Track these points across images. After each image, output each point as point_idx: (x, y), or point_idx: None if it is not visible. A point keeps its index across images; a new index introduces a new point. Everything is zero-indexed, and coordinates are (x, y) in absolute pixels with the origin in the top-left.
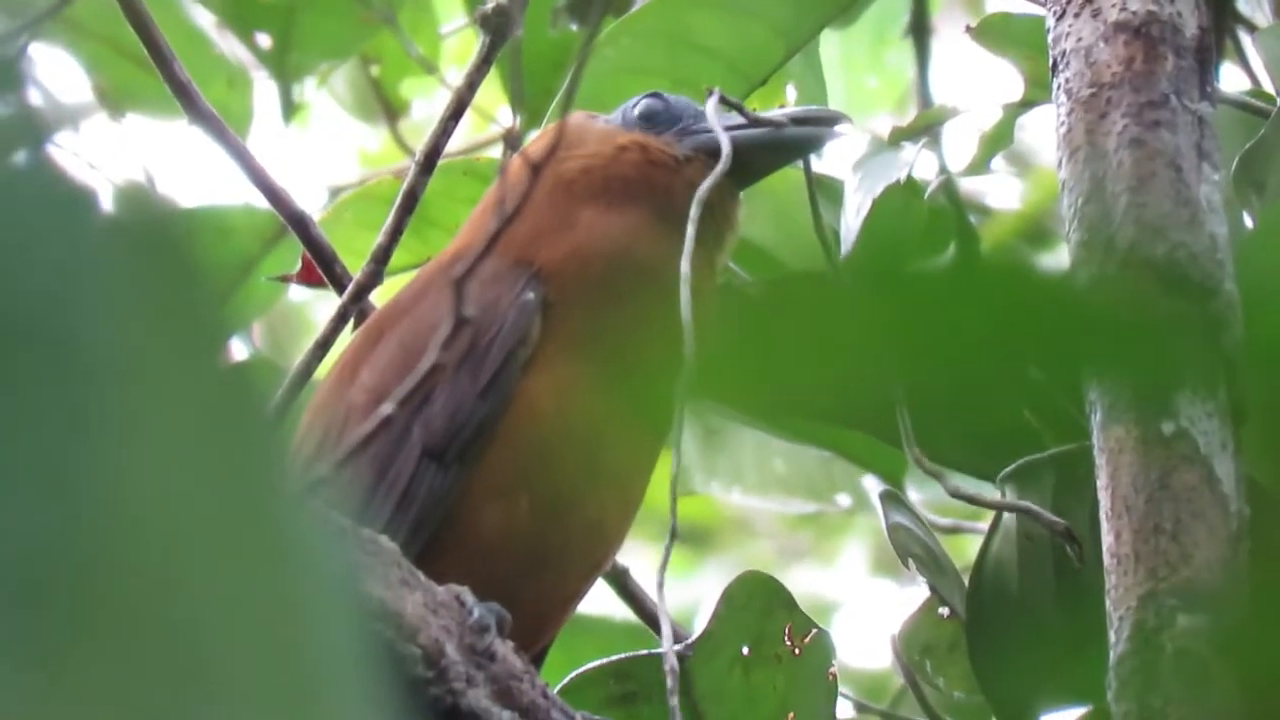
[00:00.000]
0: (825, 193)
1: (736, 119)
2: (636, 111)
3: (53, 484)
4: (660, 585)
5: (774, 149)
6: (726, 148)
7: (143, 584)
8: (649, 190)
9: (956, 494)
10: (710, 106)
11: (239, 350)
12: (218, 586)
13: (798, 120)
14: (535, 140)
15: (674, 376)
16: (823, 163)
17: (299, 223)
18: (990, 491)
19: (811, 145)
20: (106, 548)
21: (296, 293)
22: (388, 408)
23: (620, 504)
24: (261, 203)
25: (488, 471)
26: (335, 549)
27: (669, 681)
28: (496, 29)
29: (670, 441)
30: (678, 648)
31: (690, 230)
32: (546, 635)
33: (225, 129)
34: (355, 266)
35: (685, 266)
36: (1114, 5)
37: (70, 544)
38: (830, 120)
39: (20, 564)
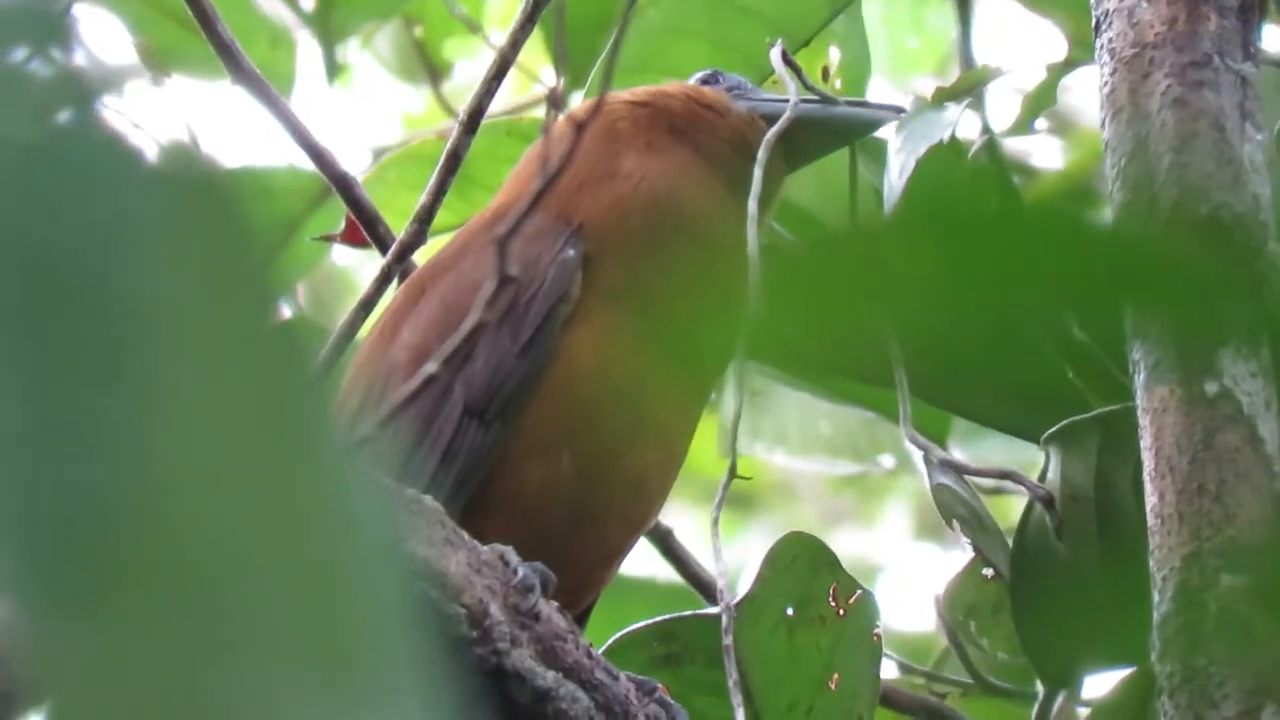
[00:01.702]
0: (868, 153)
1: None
2: (691, 83)
3: (100, 438)
4: (715, 523)
5: (828, 123)
6: (793, 98)
7: (186, 540)
8: (694, 128)
9: (946, 463)
10: (775, 56)
11: (284, 310)
12: (262, 544)
13: (854, 104)
14: (582, 105)
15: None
16: None
17: (342, 183)
18: (1034, 452)
19: (866, 125)
20: (151, 503)
21: (340, 254)
22: (431, 367)
23: (663, 459)
24: (305, 163)
25: (529, 429)
26: (379, 507)
27: (725, 639)
28: None
29: (716, 400)
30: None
31: (757, 172)
32: (590, 593)
33: (269, 89)
34: (398, 227)
35: (753, 207)
36: None
37: (114, 497)
38: (889, 107)
39: (66, 517)
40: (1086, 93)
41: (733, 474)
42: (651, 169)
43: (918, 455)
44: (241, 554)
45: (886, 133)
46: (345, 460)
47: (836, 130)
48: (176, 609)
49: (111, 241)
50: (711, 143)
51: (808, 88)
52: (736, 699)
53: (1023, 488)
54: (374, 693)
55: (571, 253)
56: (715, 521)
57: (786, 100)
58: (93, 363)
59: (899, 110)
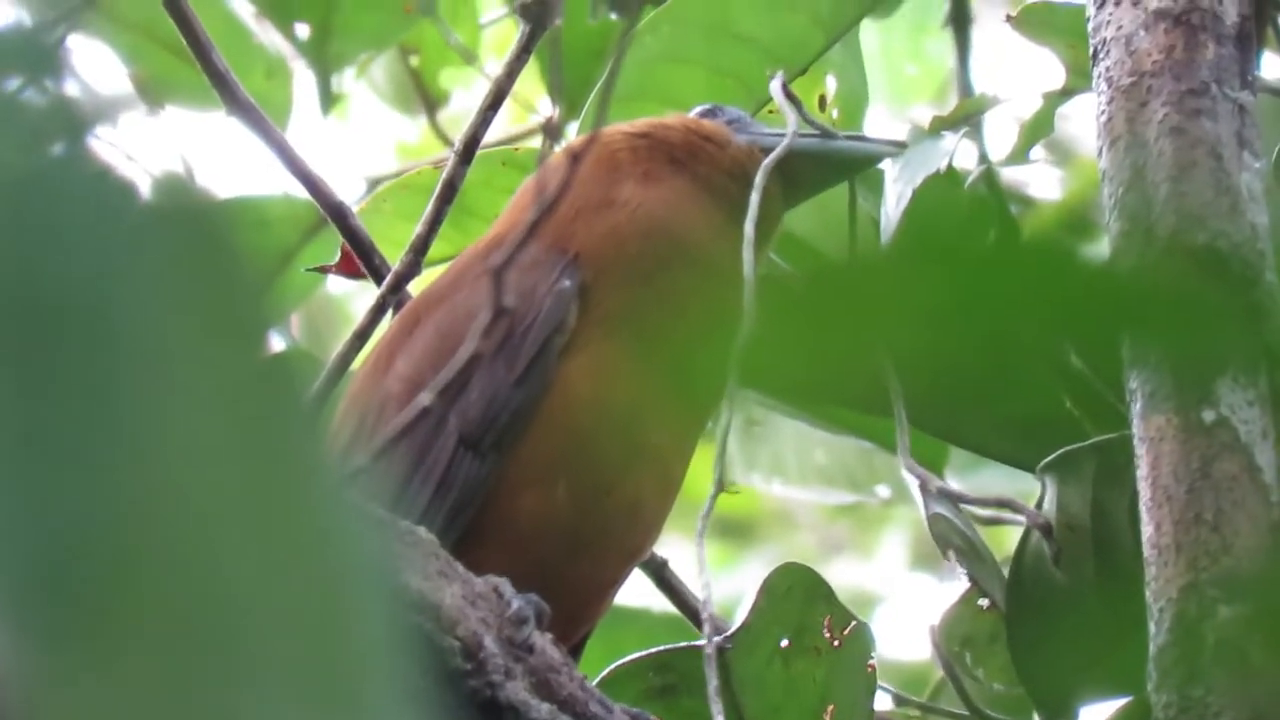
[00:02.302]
0: (865, 182)
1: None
2: (692, 113)
3: (93, 472)
4: (700, 553)
5: (827, 157)
6: (791, 130)
7: (180, 573)
8: (693, 159)
9: (943, 492)
10: (775, 88)
11: (277, 341)
12: (255, 577)
13: (853, 138)
14: (579, 137)
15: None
16: None
17: (338, 213)
18: (1031, 482)
19: (865, 160)
20: (145, 537)
21: (335, 285)
22: (426, 398)
23: (659, 488)
24: (300, 193)
25: (524, 459)
26: (373, 539)
27: (708, 670)
28: (536, 18)
29: (712, 428)
30: (717, 639)
31: (754, 197)
32: (585, 624)
33: (264, 119)
34: (394, 257)
35: (749, 229)
36: None
37: (109, 532)
38: (889, 143)
39: (61, 550)
40: (1085, 121)
41: (715, 499)
42: (649, 198)
43: (914, 485)
44: (235, 587)
45: (885, 162)
46: (338, 492)
47: (835, 165)
48: (171, 642)
49: (103, 274)
50: (711, 173)
51: (807, 121)
52: None
53: (1020, 518)
54: None
55: (568, 283)
56: (700, 549)
57: (782, 134)
58: (85, 396)
59: (899, 145)
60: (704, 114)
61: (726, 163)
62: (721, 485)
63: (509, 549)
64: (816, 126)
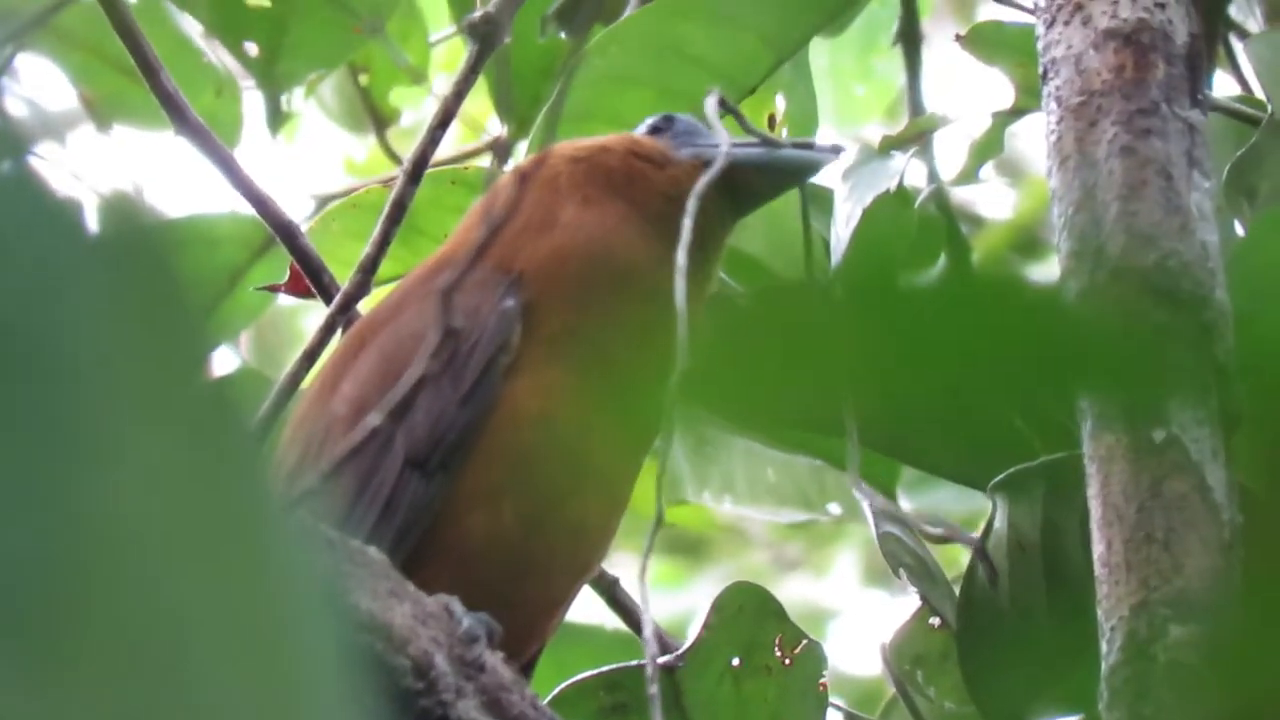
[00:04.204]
0: (816, 202)
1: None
2: (641, 129)
3: (32, 500)
4: (643, 581)
5: (769, 166)
6: (725, 144)
7: (125, 601)
8: (630, 183)
9: (884, 511)
10: (710, 105)
11: (227, 360)
12: (202, 602)
13: (798, 145)
14: (528, 157)
15: (659, 377)
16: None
17: (287, 232)
18: (983, 500)
19: (808, 167)
20: (87, 565)
21: (285, 300)
22: (375, 419)
23: (605, 507)
24: (249, 212)
25: (471, 479)
26: (320, 561)
27: (651, 689)
28: (484, 37)
29: (657, 447)
30: (669, 658)
31: (687, 222)
32: (534, 642)
33: (213, 139)
34: (343, 276)
35: (681, 257)
36: (1104, 12)
37: (49, 561)
38: (830, 149)
39: (5, 582)
40: (1035, 141)
41: (660, 523)
42: (588, 221)
43: (865, 504)
44: (180, 610)
45: (834, 182)
46: (285, 515)
47: (778, 172)
48: (116, 666)
49: (43, 297)
50: (646, 197)
51: (748, 131)
52: None
53: (971, 535)
54: None
55: (511, 302)
56: (643, 581)
57: (737, 144)
58: (24, 422)
59: (838, 150)
60: (656, 125)
61: (664, 184)
62: (661, 518)
63: (456, 569)
64: (758, 136)
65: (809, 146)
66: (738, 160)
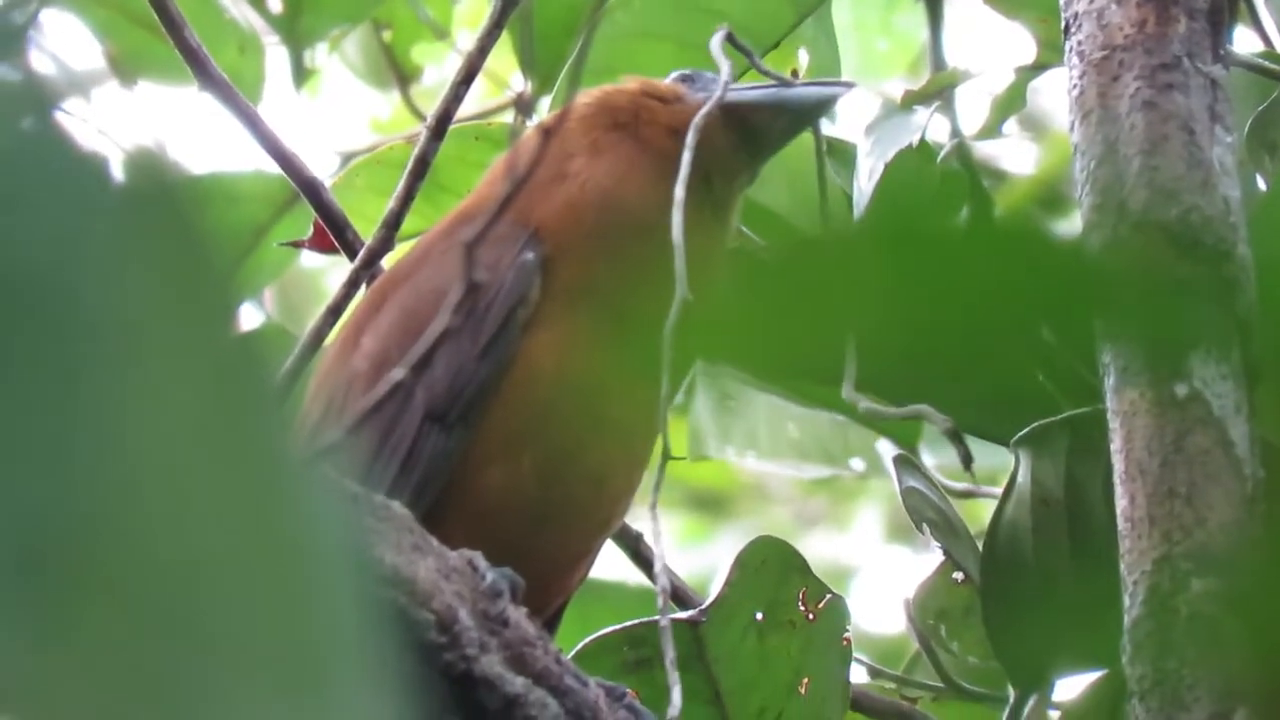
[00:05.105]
0: (838, 157)
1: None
2: (669, 78)
3: (58, 452)
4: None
5: (779, 104)
6: (726, 75)
7: (148, 552)
8: (636, 120)
9: (907, 465)
10: (715, 42)
11: (252, 316)
12: (225, 555)
13: (809, 84)
14: (552, 113)
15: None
16: (835, 126)
17: (310, 189)
18: (1005, 455)
19: (819, 104)
20: (110, 516)
21: (309, 259)
22: (399, 373)
23: (625, 460)
24: (273, 169)
25: (490, 432)
26: (344, 516)
27: (664, 644)
28: None
29: (675, 400)
30: (691, 613)
31: (686, 155)
32: (556, 597)
33: (236, 95)
34: (367, 232)
35: (679, 191)
36: None
37: (73, 512)
38: (840, 84)
39: (23, 532)
40: (1057, 96)
41: (664, 469)
42: (596, 170)
43: (888, 458)
44: (203, 565)
45: (856, 136)
46: (309, 468)
47: (790, 110)
48: (138, 620)
49: (67, 252)
50: (654, 133)
51: (761, 72)
52: (675, 705)
53: (995, 490)
54: (337, 698)
55: (530, 255)
56: (655, 523)
57: (748, 87)
58: (49, 375)
59: (849, 85)
60: (679, 79)
61: (670, 118)
62: (667, 454)
63: (476, 523)
64: (771, 76)
65: (817, 83)
66: (747, 99)
